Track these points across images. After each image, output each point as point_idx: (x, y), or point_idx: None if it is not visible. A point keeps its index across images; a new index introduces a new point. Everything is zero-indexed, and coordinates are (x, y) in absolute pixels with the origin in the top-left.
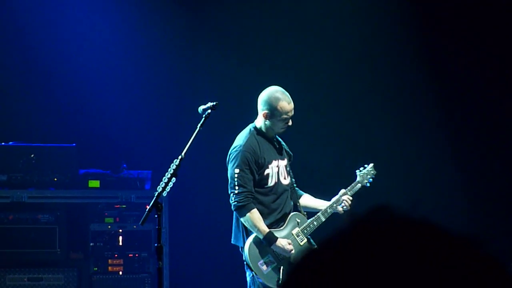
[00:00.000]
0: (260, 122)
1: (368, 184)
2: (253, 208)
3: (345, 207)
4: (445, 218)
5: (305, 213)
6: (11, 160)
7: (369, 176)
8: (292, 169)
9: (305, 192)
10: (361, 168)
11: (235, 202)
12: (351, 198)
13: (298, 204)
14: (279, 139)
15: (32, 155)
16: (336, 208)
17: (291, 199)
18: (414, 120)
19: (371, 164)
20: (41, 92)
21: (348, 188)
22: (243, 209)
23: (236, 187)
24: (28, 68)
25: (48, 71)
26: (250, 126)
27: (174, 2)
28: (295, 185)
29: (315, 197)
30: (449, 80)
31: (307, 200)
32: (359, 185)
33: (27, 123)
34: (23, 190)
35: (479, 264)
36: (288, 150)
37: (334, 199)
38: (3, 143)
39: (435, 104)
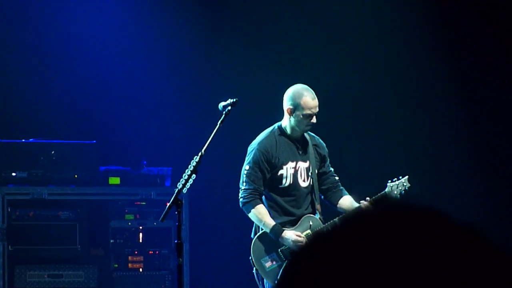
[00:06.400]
0: (285, 121)
1: (398, 196)
2: (258, 204)
3: None
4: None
5: (322, 218)
6: (32, 157)
7: (400, 188)
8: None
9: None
10: (394, 179)
11: (241, 199)
12: None
13: (318, 208)
14: (315, 138)
15: (53, 152)
16: None
17: (313, 201)
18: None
19: (406, 177)
20: (62, 89)
21: (374, 197)
22: (247, 206)
23: (244, 184)
24: (49, 65)
25: (69, 68)
26: (276, 124)
27: None
28: (339, 183)
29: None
30: (471, 79)
31: (344, 202)
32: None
33: (47, 120)
34: (43, 187)
35: (484, 251)
36: (321, 151)
37: (355, 207)
38: (23, 140)
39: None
